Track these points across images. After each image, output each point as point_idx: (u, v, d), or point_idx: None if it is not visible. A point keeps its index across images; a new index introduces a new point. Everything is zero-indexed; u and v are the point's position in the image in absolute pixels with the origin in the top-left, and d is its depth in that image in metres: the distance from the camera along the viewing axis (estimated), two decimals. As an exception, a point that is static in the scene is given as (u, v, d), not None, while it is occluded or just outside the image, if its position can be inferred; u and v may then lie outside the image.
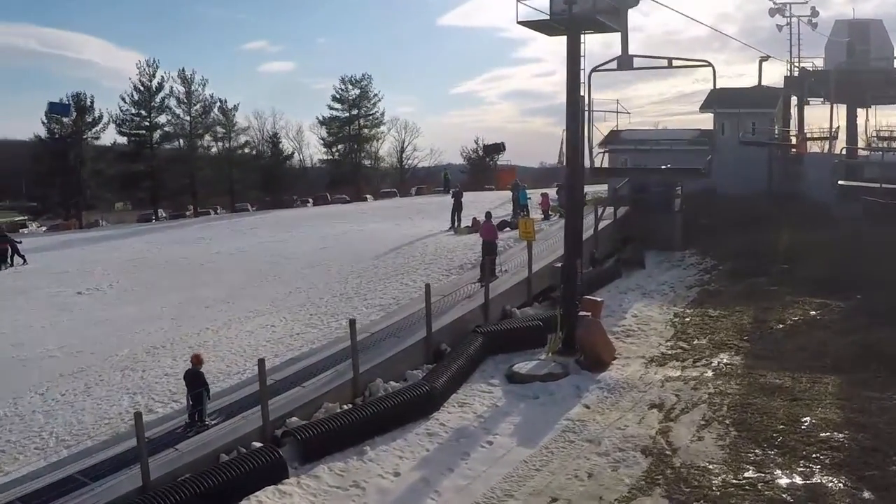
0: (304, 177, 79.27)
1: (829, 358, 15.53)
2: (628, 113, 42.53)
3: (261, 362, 12.32)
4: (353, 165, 73.98)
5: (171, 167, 65.35)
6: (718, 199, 33.85)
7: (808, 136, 38.54)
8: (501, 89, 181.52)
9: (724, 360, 15.98)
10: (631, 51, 20.15)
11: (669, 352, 16.83)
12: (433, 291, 20.53)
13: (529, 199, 36.75)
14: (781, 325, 18.03)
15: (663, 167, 30.68)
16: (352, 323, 14.61)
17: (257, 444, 11.71)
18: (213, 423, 12.39)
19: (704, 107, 38.27)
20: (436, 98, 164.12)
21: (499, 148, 63.46)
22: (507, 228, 28.93)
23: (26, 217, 62.76)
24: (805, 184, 33.45)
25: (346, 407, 13.76)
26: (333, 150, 76.67)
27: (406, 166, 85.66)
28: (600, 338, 16.16)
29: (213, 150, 70.07)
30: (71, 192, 62.97)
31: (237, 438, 11.85)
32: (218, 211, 66.23)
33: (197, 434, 12.00)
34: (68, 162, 62.63)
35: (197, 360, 12.75)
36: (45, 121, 61.82)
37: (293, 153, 77.11)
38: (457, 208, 32.48)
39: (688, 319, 19.19)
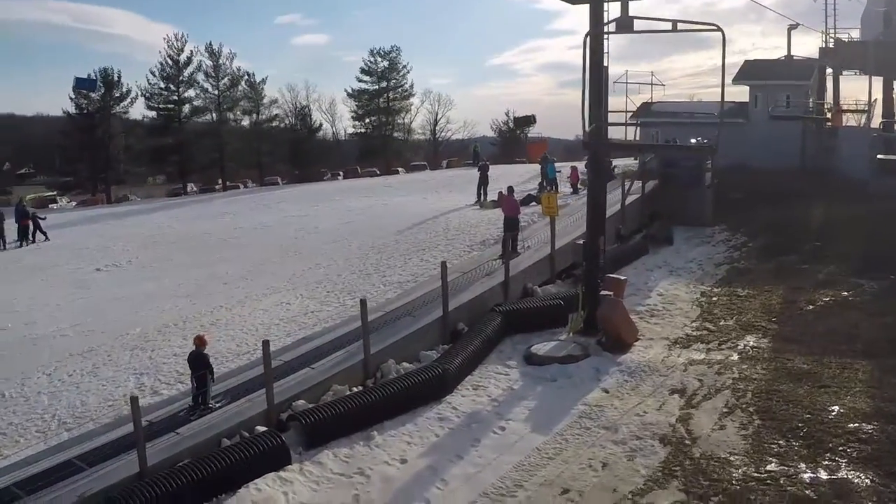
0: (337, 150, 78.97)
1: (860, 342, 14.85)
2: (663, 85, 41.40)
3: (265, 344, 11.98)
4: (383, 138, 73.11)
5: (200, 141, 65.13)
6: (750, 174, 32.90)
7: (844, 108, 37.14)
8: (537, 61, 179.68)
9: (751, 343, 15.36)
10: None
11: (694, 333, 16.22)
12: (453, 268, 20.21)
13: (559, 172, 36.07)
14: (811, 306, 17.33)
15: (668, 142, 29.93)
16: (363, 303, 14.24)
17: (261, 429, 11.38)
18: (217, 405, 12.09)
19: (737, 79, 37.11)
20: (471, 70, 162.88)
21: (529, 120, 62.55)
22: (533, 203, 28.30)
23: (55, 192, 63.03)
24: (840, 158, 32.33)
25: (355, 389, 13.43)
26: (365, 122, 75.89)
27: (439, 139, 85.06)
28: (622, 319, 15.61)
29: (245, 122, 69.65)
30: (100, 166, 63.17)
31: (241, 422, 11.53)
32: (248, 185, 66.18)
33: (200, 417, 11.69)
34: (97, 137, 62.76)
35: (200, 342, 12.36)
36: (73, 96, 61.97)
37: (320, 126, 76.79)
38: (483, 182, 31.91)
39: (715, 299, 18.53)
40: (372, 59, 73.57)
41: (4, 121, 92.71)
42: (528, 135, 68.63)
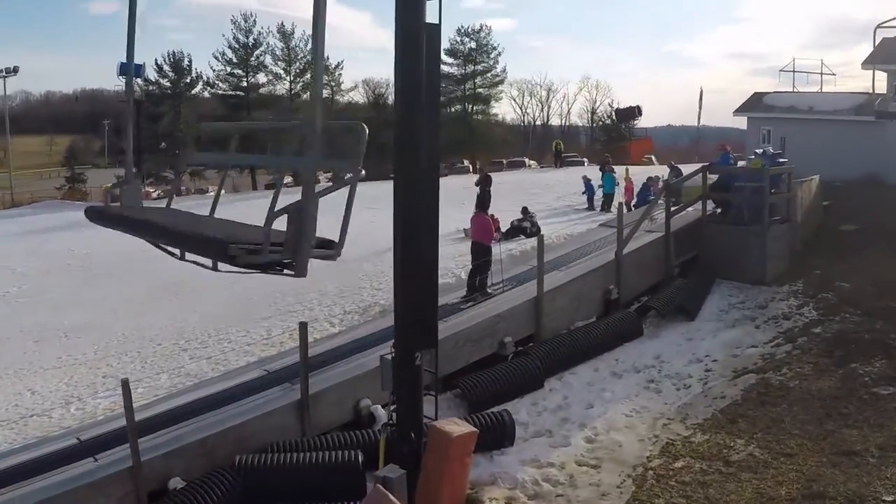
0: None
1: None
2: (833, 74, 31.46)
3: None
4: (468, 130, 64.34)
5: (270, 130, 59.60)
6: (882, 193, 22.82)
7: None
8: (723, 49, 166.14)
9: None
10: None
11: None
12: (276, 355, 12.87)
13: (617, 185, 27.55)
14: (851, 520, 8.34)
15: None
16: None
17: None
18: None
19: (868, 63, 26.64)
20: (653, 57, 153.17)
21: (633, 113, 52.68)
22: (521, 236, 20.08)
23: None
24: None
25: None
26: (449, 110, 67.57)
27: (596, 127, 78.87)
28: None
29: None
30: (165, 155, 59.15)
31: None
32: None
33: None
34: (163, 126, 59.20)
35: None
36: (141, 82, 58.05)
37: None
38: (483, 199, 23.49)
39: (679, 465, 9.76)
40: (458, 39, 65.17)
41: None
42: (633, 129, 58.90)
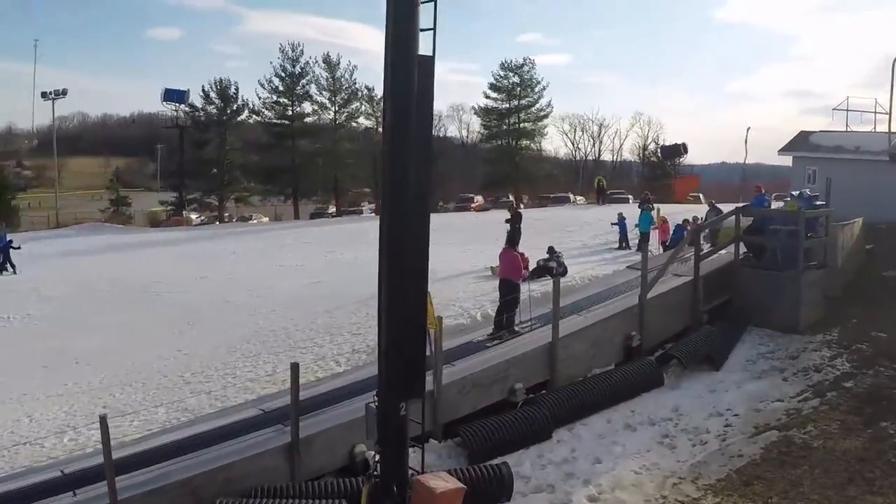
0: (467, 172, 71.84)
1: None
2: (887, 114, 30.38)
3: None
4: (512, 164, 63.91)
5: (314, 159, 59.71)
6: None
7: None
8: (778, 87, 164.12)
9: None
10: None
11: None
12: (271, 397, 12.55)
13: (654, 224, 26.81)
14: None
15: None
16: None
17: None
18: None
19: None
20: (708, 94, 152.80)
21: (678, 150, 51.85)
22: (547, 276, 19.45)
23: (170, 207, 60.05)
24: None
25: None
26: (493, 144, 67.27)
27: (644, 162, 78.54)
28: None
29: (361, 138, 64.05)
30: (212, 183, 59.77)
31: None
32: (362, 211, 61.12)
33: None
34: (209, 152, 60.09)
35: None
36: (187, 109, 59.03)
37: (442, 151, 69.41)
38: (513, 236, 22.93)
39: (686, 529, 9.18)
40: (502, 74, 64.82)
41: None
42: (679, 167, 57.71)
